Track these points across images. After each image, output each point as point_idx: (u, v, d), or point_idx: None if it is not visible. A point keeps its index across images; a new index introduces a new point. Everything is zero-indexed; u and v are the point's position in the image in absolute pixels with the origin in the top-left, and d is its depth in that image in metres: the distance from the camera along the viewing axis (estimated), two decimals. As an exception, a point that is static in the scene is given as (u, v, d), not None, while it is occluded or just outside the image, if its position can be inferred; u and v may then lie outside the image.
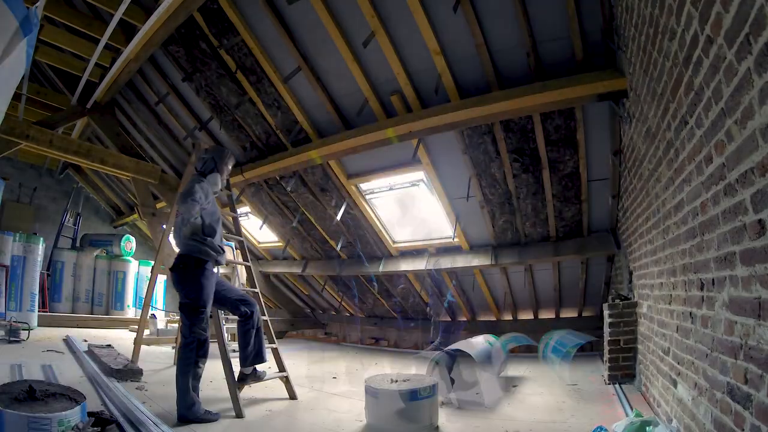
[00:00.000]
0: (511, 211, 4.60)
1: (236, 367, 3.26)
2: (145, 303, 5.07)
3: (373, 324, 6.43)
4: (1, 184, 6.40)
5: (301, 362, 5.52)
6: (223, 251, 3.23)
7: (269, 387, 3.73)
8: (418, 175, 4.76)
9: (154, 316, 7.91)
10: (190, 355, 2.91)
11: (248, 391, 3.51)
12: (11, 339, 5.13)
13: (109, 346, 5.13)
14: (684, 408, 1.98)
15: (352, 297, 6.87)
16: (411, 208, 5.29)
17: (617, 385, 3.42)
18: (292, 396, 3.54)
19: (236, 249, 5.33)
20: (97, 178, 9.49)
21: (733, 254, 1.38)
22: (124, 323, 7.80)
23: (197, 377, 2.94)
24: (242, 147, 5.51)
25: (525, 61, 3.39)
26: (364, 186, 5.18)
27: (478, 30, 3.27)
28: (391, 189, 5.06)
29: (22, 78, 3.74)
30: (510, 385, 3.99)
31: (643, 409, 2.68)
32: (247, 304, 3.32)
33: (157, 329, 6.80)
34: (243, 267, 7.51)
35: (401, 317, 6.92)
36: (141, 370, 4.00)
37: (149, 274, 8.78)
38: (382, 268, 5.92)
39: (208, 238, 3.11)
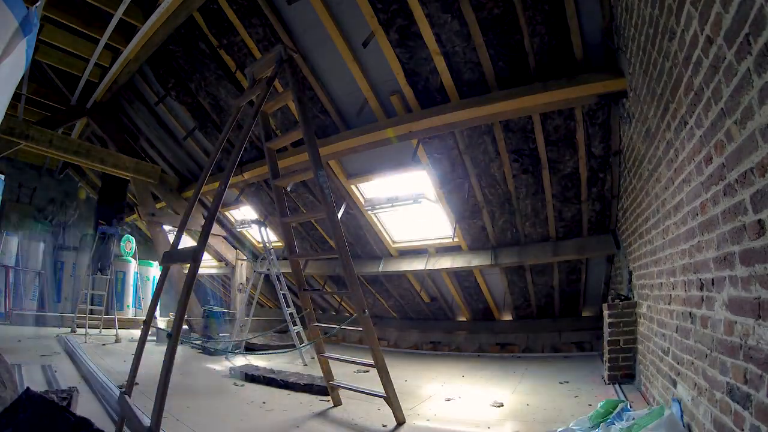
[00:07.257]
0: (510, 211, 4.60)
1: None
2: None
3: (373, 324, 6.44)
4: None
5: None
6: None
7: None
8: (419, 187, 4.77)
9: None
10: None
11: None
12: None
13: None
14: (684, 408, 1.98)
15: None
16: (411, 209, 5.29)
17: (617, 385, 3.42)
18: None
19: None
20: (97, 179, 9.49)
21: (732, 254, 1.38)
22: (123, 323, 7.78)
23: None
24: (242, 147, 5.50)
25: (525, 62, 3.39)
26: (366, 196, 5.21)
27: (478, 30, 3.28)
28: (392, 206, 5.04)
29: (22, 78, 3.74)
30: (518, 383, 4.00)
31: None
32: None
33: (157, 329, 6.78)
34: (243, 266, 7.57)
35: (400, 317, 6.92)
36: None
37: (149, 274, 8.83)
38: (382, 268, 5.92)
39: None
